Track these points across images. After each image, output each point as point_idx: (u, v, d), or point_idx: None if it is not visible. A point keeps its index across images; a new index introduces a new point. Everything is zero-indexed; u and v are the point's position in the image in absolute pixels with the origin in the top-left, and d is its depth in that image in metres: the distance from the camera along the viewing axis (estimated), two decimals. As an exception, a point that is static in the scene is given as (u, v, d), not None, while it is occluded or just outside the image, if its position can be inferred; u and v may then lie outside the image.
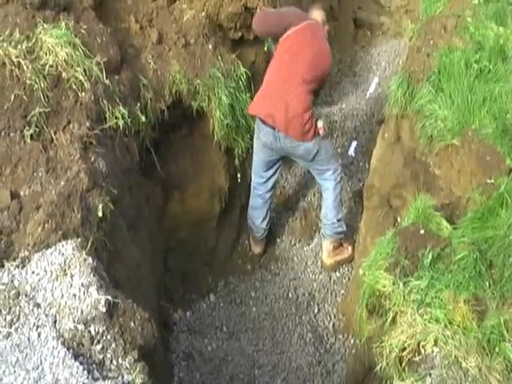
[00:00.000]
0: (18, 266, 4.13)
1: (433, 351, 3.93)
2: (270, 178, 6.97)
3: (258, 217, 7.11)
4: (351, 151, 7.83)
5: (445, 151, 5.19)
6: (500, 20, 5.83)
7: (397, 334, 4.13)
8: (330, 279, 6.87)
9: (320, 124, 6.39)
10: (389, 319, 4.32)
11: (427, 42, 5.81)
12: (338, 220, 6.97)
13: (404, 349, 4.07)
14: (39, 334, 3.79)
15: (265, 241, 7.36)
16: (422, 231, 4.52)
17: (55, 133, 5.01)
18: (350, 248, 7.19)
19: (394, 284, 4.32)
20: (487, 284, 4.18)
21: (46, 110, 5.03)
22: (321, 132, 6.41)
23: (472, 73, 5.40)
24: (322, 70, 6.52)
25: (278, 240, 7.47)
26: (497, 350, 3.86)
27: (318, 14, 6.90)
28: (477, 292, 4.13)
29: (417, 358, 4.01)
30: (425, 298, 4.16)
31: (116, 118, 5.38)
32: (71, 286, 3.99)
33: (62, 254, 4.13)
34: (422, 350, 3.99)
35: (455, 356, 3.84)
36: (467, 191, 4.82)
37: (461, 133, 5.06)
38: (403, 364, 4.08)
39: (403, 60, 6.50)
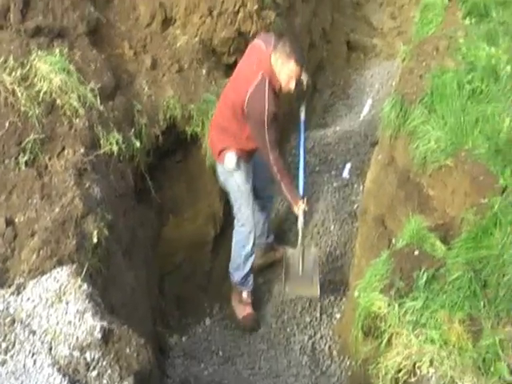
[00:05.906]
0: (13, 293, 4.14)
1: (428, 372, 3.93)
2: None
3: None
4: (345, 173, 7.84)
5: (438, 172, 5.20)
6: (492, 40, 5.85)
7: (392, 356, 4.13)
8: (326, 301, 6.83)
9: (226, 157, 6.10)
10: (384, 341, 4.32)
11: (420, 63, 5.83)
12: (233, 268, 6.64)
13: (400, 370, 4.07)
14: (35, 361, 3.79)
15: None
16: (416, 252, 4.53)
17: (50, 159, 5.03)
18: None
19: (389, 305, 4.32)
20: (482, 304, 4.17)
21: (41, 137, 5.06)
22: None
23: (464, 93, 5.41)
24: (236, 100, 5.91)
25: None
26: (492, 369, 3.85)
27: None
28: (472, 312, 4.13)
29: (413, 379, 4.01)
30: (420, 319, 4.16)
31: (110, 143, 5.41)
32: (66, 312, 4.00)
33: (57, 281, 4.14)
34: (418, 371, 3.99)
35: (451, 376, 3.84)
36: (461, 211, 4.82)
37: (454, 153, 5.07)
38: (399, 385, 4.09)
39: (396, 82, 6.49)
